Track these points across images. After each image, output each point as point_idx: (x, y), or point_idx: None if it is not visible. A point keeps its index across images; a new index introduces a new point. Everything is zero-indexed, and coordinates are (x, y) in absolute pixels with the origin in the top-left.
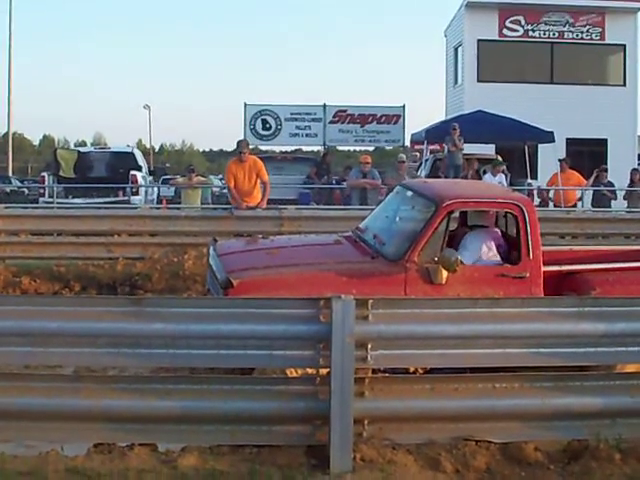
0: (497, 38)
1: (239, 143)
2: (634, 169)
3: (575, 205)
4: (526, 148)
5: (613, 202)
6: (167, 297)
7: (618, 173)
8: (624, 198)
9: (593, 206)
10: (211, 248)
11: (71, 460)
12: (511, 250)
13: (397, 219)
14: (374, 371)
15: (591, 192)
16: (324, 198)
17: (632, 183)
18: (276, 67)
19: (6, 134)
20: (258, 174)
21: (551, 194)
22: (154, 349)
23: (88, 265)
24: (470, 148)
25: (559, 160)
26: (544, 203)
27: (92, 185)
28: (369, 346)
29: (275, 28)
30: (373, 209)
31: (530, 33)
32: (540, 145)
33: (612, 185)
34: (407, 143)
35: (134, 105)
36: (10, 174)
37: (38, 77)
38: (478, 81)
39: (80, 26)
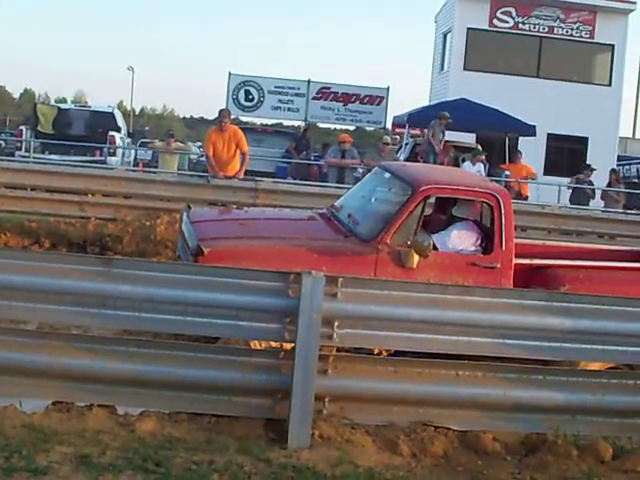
0: (487, 28)
1: (220, 112)
2: (612, 169)
3: (527, 198)
4: (507, 140)
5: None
6: (136, 260)
7: (597, 173)
8: (601, 198)
9: (572, 203)
10: (184, 215)
11: (29, 417)
12: (484, 240)
13: (373, 200)
14: (339, 349)
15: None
16: (301, 173)
17: (609, 183)
18: (263, 39)
19: None
20: (238, 144)
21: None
22: (120, 311)
23: (60, 222)
24: (451, 135)
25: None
26: (521, 196)
27: (70, 142)
28: (336, 324)
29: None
30: (350, 188)
31: (520, 25)
32: (521, 138)
33: (592, 184)
34: (388, 125)
35: (118, 66)
36: None
37: (23, 29)
38: (464, 69)
39: None
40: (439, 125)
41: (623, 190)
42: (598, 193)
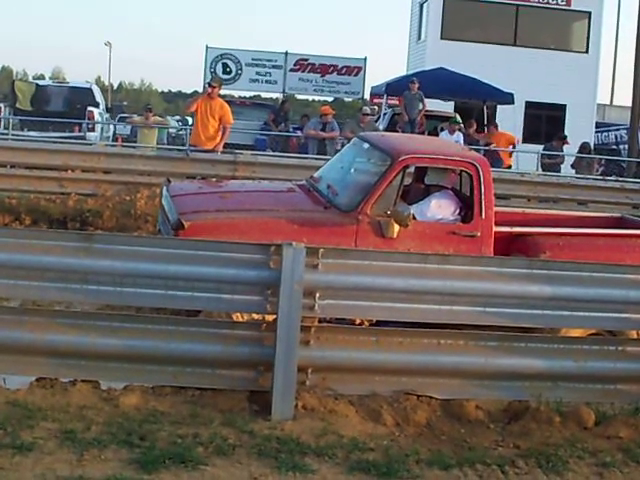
0: None
1: (212, 78)
2: (583, 144)
3: (510, 166)
4: (485, 108)
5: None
6: (117, 234)
7: (575, 140)
8: (572, 167)
9: (543, 169)
10: (164, 189)
11: (12, 393)
12: (464, 209)
13: (352, 171)
14: (320, 320)
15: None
16: (280, 145)
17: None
18: (239, 11)
19: None
20: (222, 118)
21: None
22: (102, 286)
23: (40, 199)
24: (429, 105)
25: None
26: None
27: (48, 119)
28: (317, 295)
29: None
30: (329, 159)
31: None
32: (499, 106)
33: (563, 151)
34: (367, 96)
35: (95, 41)
36: None
37: None
38: (441, 38)
39: None
40: (412, 94)
41: (595, 156)
42: (568, 159)
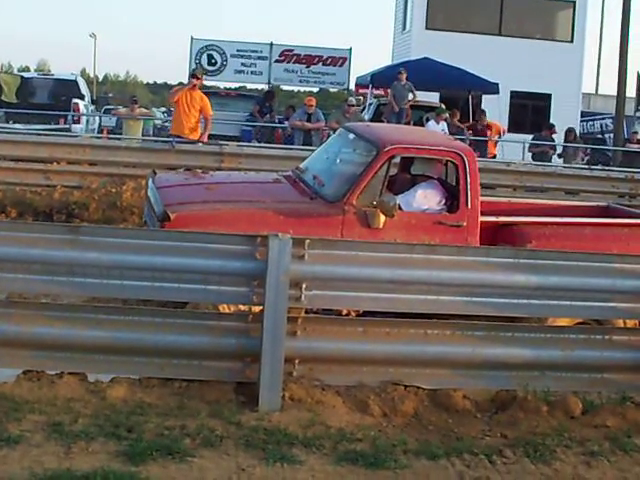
0: None
1: (196, 69)
2: (569, 129)
3: (494, 156)
4: (470, 98)
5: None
6: (103, 226)
7: (560, 129)
8: (559, 156)
9: (534, 159)
10: (150, 180)
11: None
12: (450, 199)
13: (338, 161)
14: (307, 311)
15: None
16: (266, 136)
17: (567, 142)
18: (224, 2)
19: None
20: (202, 109)
21: None
22: (88, 278)
23: (25, 191)
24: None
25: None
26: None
27: (34, 111)
28: (303, 286)
29: None
30: (314, 150)
31: None
32: (484, 96)
33: (552, 141)
34: (352, 86)
35: (80, 33)
36: None
37: None
38: (426, 28)
39: None
40: (402, 84)
41: (582, 145)
42: (559, 149)
